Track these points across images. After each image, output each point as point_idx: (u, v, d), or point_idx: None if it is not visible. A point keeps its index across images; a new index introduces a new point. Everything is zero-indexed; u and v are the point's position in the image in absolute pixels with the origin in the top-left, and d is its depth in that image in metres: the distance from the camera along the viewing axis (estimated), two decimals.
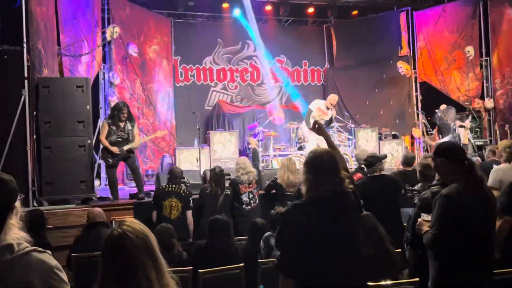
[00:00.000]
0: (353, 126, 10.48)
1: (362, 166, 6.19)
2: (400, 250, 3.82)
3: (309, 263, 2.26)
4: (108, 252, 1.59)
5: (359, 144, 9.90)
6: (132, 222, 1.64)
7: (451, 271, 2.65)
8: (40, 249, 1.68)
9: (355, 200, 2.44)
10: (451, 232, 2.61)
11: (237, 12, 11.91)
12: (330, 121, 8.96)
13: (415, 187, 4.94)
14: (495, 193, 4.26)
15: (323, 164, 2.40)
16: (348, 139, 10.21)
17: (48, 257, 1.67)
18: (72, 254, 4.39)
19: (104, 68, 9.80)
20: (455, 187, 2.68)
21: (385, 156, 5.66)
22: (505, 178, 4.34)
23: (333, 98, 9.01)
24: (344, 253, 2.29)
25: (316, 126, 3.13)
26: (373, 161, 5.01)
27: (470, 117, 10.19)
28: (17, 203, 1.73)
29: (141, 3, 11.03)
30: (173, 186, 5.59)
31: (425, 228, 2.81)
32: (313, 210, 2.32)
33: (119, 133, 6.78)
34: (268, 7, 12.25)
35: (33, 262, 1.62)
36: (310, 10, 12.58)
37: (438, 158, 2.84)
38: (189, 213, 5.53)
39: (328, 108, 8.87)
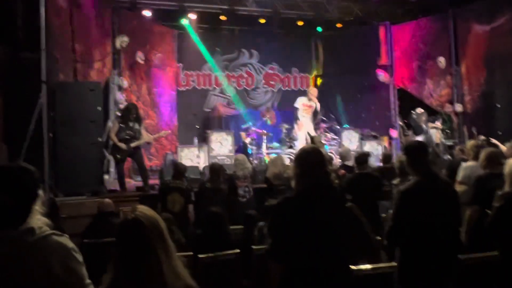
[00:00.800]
0: (338, 127, 10.52)
1: (346, 163, 6.24)
2: (380, 238, 3.85)
3: (297, 250, 2.27)
4: (123, 235, 1.60)
5: (343, 143, 9.95)
6: (144, 208, 1.65)
7: (411, 259, 2.67)
8: (59, 232, 1.69)
9: (339, 193, 2.46)
10: (405, 225, 2.62)
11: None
12: (315, 113, 9.06)
13: (393, 182, 4.97)
14: (462, 187, 4.32)
15: (310, 160, 2.39)
16: (333, 139, 10.26)
17: (66, 240, 1.68)
18: (84, 240, 4.39)
19: (113, 73, 9.76)
20: (412, 182, 2.71)
21: (370, 154, 5.71)
22: (472, 174, 4.37)
23: (311, 90, 9.13)
24: (328, 240, 2.30)
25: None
26: (366, 159, 5.05)
27: (441, 120, 10.25)
28: (40, 191, 1.74)
29: (147, 15, 11.00)
30: (176, 181, 5.59)
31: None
32: (301, 203, 2.33)
33: (127, 132, 6.79)
34: (262, 20, 12.26)
35: (52, 245, 1.63)
36: (300, 22, 12.60)
37: (404, 155, 2.89)
38: (191, 207, 5.54)
39: (310, 100, 8.98)
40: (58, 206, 4.94)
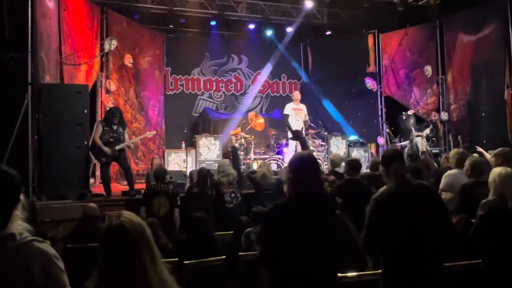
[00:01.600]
0: (325, 134, 10.58)
1: (336, 169, 6.26)
2: None
3: (287, 256, 2.27)
4: (107, 241, 1.58)
5: (330, 150, 9.99)
6: (129, 214, 1.63)
7: (393, 267, 2.68)
8: (40, 239, 1.66)
9: (330, 200, 2.46)
10: (378, 232, 2.63)
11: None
12: (305, 117, 9.21)
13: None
14: (448, 195, 4.37)
15: (304, 166, 2.38)
16: (321, 145, 10.30)
17: (47, 247, 1.64)
18: (68, 246, 4.32)
19: (101, 76, 9.69)
20: (384, 190, 2.73)
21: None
22: (454, 182, 4.42)
23: (296, 94, 9.26)
24: (318, 247, 2.30)
25: (293, 132, 3.21)
26: (358, 165, 5.06)
27: (430, 128, 10.34)
28: (21, 196, 1.71)
29: (136, 18, 10.98)
30: (162, 185, 5.55)
31: None
32: (292, 209, 2.32)
33: (111, 134, 6.74)
34: (252, 26, 12.30)
35: (33, 251, 1.59)
36: (289, 29, 12.69)
37: (380, 164, 2.91)
38: (176, 211, 5.50)
39: (297, 104, 9.13)
40: (38, 210, 4.84)
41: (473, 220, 3.29)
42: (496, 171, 3.21)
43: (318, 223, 2.31)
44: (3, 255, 1.54)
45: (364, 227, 2.66)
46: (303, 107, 9.51)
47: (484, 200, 3.20)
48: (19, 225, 1.64)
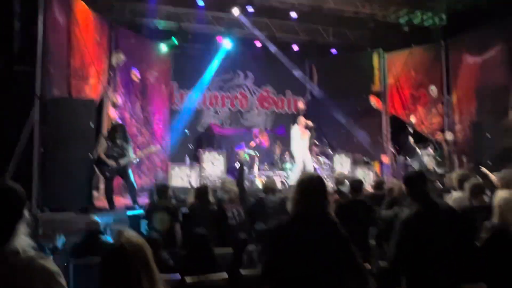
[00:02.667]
0: (330, 151, 10.58)
1: (340, 187, 6.25)
2: (369, 265, 3.85)
3: (289, 275, 2.27)
4: (107, 262, 1.59)
5: (335, 167, 9.98)
6: (129, 234, 1.64)
7: (416, 285, 2.68)
8: (43, 255, 1.67)
9: (333, 221, 2.43)
10: (406, 255, 2.64)
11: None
12: (310, 130, 9.35)
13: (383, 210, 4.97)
14: None
15: (311, 187, 2.38)
16: (326, 163, 10.30)
17: (50, 263, 1.65)
18: (70, 259, 4.32)
19: (108, 90, 9.78)
20: (412, 212, 2.74)
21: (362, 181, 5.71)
22: (460, 206, 4.38)
23: (302, 120, 9.38)
24: (320, 267, 2.29)
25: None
26: (360, 186, 5.05)
27: (431, 147, 10.34)
28: (25, 211, 1.72)
29: (144, 34, 11.13)
30: (163, 201, 5.55)
31: None
32: (295, 229, 2.32)
33: (115, 149, 6.80)
34: (258, 43, 12.43)
35: (36, 268, 1.60)
36: (295, 47, 12.82)
37: (403, 185, 2.91)
38: (178, 226, 5.48)
39: (303, 126, 9.26)
40: (40, 223, 4.86)
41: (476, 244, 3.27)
42: (500, 195, 3.20)
43: (320, 243, 2.31)
44: (6, 271, 1.55)
45: (392, 248, 2.66)
46: (309, 132, 9.61)
47: (487, 224, 3.19)
48: (23, 241, 1.65)
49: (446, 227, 2.74)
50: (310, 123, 9.56)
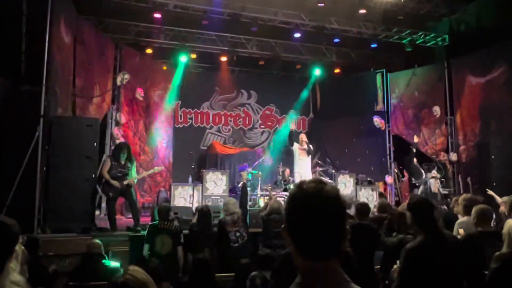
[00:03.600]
0: (333, 171, 10.52)
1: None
2: None
3: None
4: None
5: (338, 188, 9.89)
6: (135, 271, 1.60)
7: None
8: None
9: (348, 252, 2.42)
10: (412, 284, 2.58)
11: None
12: (309, 152, 9.21)
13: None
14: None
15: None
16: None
17: None
18: (70, 283, 4.25)
19: (112, 108, 9.82)
20: (418, 240, 2.68)
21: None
22: (467, 229, 4.32)
23: (302, 137, 9.33)
24: None
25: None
26: (366, 210, 4.99)
27: (436, 168, 10.27)
28: (18, 247, 1.66)
29: (149, 53, 11.23)
30: (165, 223, 5.47)
31: (395, 275, 2.79)
32: None
33: (119, 169, 6.76)
34: (261, 62, 12.52)
35: None
36: (298, 66, 12.90)
37: (407, 211, 2.85)
38: (180, 249, 5.40)
39: (302, 144, 9.22)
40: (39, 245, 4.79)
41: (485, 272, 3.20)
42: (510, 222, 3.14)
43: None
44: None
45: (397, 277, 2.61)
46: (308, 147, 9.56)
47: (497, 253, 3.11)
48: (14, 278, 1.58)
49: (453, 257, 2.68)
50: (305, 141, 9.55)
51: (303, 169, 9.46)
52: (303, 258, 1.25)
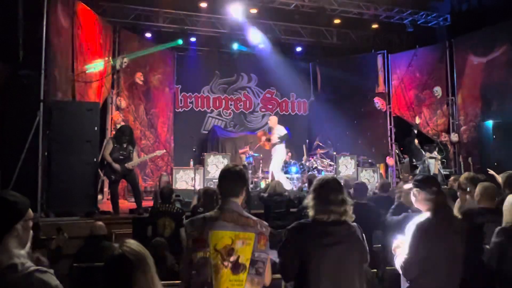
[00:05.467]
0: (334, 153, 10.52)
1: (349, 191, 6.17)
2: (375, 270, 3.79)
3: (305, 273, 2.36)
4: (108, 270, 1.57)
5: (339, 170, 9.93)
6: (131, 243, 1.62)
7: None
8: (43, 268, 1.63)
9: (354, 227, 2.47)
10: (419, 259, 2.61)
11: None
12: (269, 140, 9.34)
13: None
14: None
15: (329, 189, 2.48)
16: (330, 165, 10.25)
17: (49, 277, 1.61)
18: (74, 264, 4.30)
19: (112, 93, 9.79)
20: (427, 217, 2.69)
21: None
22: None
23: (272, 119, 9.53)
24: (337, 274, 2.36)
25: None
26: (363, 188, 4.99)
27: (437, 149, 10.28)
28: (19, 225, 1.64)
29: (148, 37, 11.14)
30: (167, 205, 5.50)
31: (399, 250, 2.80)
32: (316, 231, 2.41)
33: (121, 152, 6.77)
34: (262, 45, 12.40)
35: (35, 282, 1.56)
36: (299, 48, 12.81)
37: (414, 188, 2.85)
38: (182, 231, 5.42)
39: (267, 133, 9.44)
40: (40, 228, 4.82)
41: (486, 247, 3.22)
42: (509, 199, 3.14)
43: (338, 249, 2.39)
44: (4, 286, 1.51)
45: (406, 251, 2.64)
46: (273, 137, 9.36)
47: (499, 227, 3.13)
48: (19, 252, 1.59)
49: (458, 233, 2.70)
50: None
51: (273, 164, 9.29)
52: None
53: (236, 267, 2.23)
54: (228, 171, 2.48)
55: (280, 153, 9.18)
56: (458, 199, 4.56)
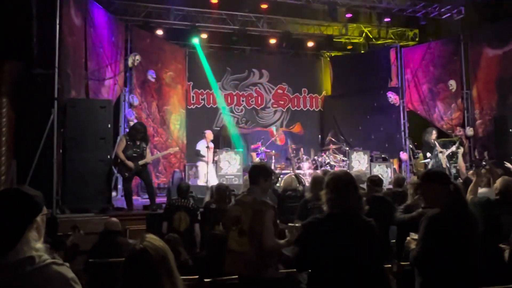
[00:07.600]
0: (347, 148, 10.44)
1: (361, 186, 6.13)
2: (390, 265, 3.75)
3: (320, 266, 2.43)
4: (129, 265, 1.57)
5: (352, 165, 9.85)
6: (152, 238, 1.62)
7: (432, 286, 2.60)
8: (59, 261, 1.64)
9: (368, 221, 2.47)
10: (433, 251, 2.57)
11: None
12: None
13: (401, 207, 4.84)
14: None
15: (343, 185, 2.52)
16: (343, 160, 10.18)
17: (65, 270, 1.62)
18: (89, 260, 4.34)
19: (125, 91, 9.85)
20: (440, 210, 2.65)
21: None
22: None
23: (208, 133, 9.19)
24: (351, 268, 2.38)
25: None
26: (379, 181, 4.98)
27: (457, 143, 10.00)
28: (39, 218, 1.67)
29: (160, 34, 11.18)
30: (182, 200, 5.54)
31: (412, 246, 2.77)
32: (331, 225, 2.46)
33: (134, 149, 6.82)
34: (273, 40, 12.36)
35: (52, 274, 1.57)
36: (310, 43, 12.73)
37: (426, 182, 2.81)
38: (197, 226, 5.47)
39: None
40: (58, 224, 4.88)
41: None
42: None
43: (353, 239, 2.43)
44: (21, 278, 1.53)
45: (419, 244, 2.62)
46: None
47: None
48: (36, 247, 1.61)
49: (471, 227, 2.65)
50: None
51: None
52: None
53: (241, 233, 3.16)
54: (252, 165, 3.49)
55: None
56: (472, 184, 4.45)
